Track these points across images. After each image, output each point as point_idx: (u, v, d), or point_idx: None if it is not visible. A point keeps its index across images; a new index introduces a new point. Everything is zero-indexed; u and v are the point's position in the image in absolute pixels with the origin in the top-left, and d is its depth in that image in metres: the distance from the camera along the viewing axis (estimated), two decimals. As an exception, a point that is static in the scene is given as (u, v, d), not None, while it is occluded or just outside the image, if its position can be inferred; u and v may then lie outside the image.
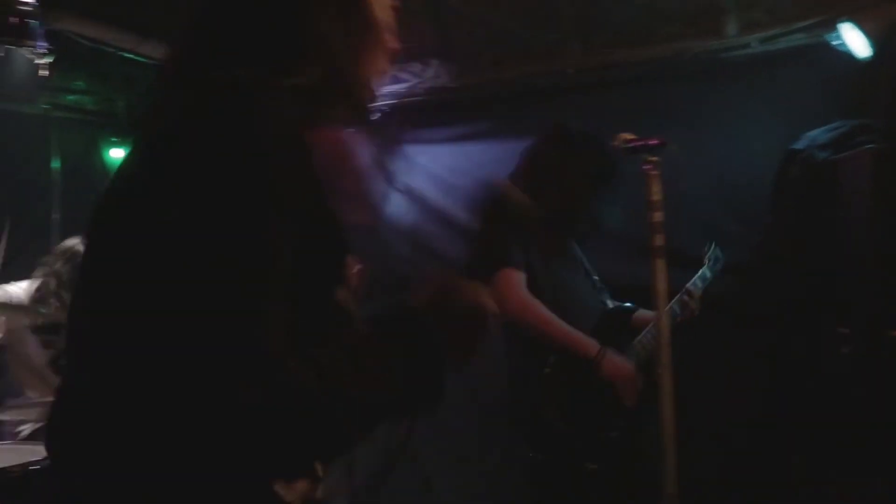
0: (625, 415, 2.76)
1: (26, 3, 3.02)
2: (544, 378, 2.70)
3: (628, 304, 3.09)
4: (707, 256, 3.27)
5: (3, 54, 3.19)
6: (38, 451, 2.73)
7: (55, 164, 4.78)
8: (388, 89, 4.35)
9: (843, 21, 3.37)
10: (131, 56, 3.85)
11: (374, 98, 1.20)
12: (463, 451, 4.24)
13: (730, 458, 3.65)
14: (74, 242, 3.56)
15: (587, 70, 4.00)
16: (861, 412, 2.94)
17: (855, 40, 3.34)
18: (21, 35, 3.04)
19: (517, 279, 2.71)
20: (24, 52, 3.18)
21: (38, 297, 3.39)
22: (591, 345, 2.71)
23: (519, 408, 2.86)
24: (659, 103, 3.92)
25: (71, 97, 4.92)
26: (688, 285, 3.06)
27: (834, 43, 3.48)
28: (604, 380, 2.70)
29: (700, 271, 3.18)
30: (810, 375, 3.43)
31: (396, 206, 4.46)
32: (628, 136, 2.23)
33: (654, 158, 2.13)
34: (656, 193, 2.14)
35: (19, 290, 3.45)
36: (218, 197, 0.93)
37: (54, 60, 3.47)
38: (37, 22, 3.09)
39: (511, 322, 2.72)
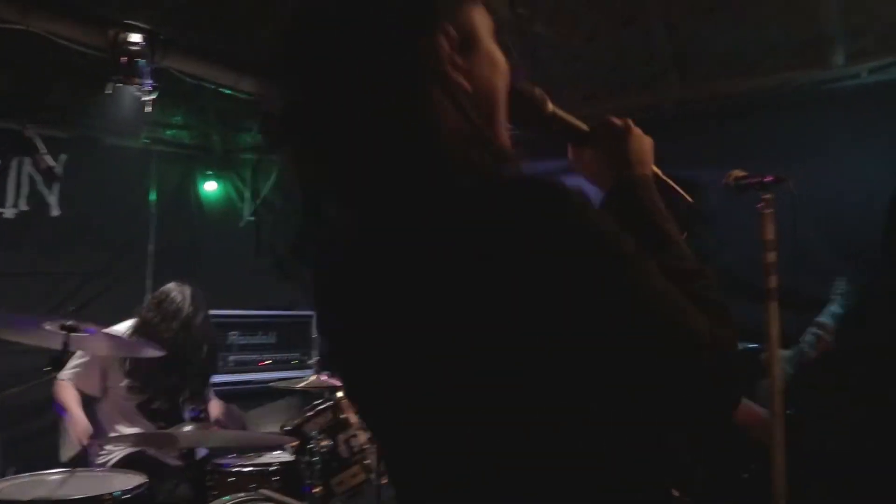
0: (757, 454, 2.63)
1: (136, 43, 3.13)
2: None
3: (753, 346, 2.95)
4: (836, 291, 3.09)
5: (111, 92, 3.31)
6: (127, 480, 2.78)
7: (152, 196, 4.95)
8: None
9: (963, 49, 3.19)
10: (229, 92, 3.94)
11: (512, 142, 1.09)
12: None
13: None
14: (168, 288, 3.66)
15: (686, 103, 3.89)
16: None
17: (977, 69, 3.15)
18: (130, 74, 3.15)
19: None
20: (131, 90, 3.30)
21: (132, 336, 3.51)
22: None
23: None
24: (762, 137, 3.77)
25: (169, 131, 5.09)
26: (819, 318, 2.90)
27: (951, 71, 3.30)
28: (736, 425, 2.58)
29: (829, 307, 3.01)
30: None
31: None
32: (740, 172, 2.13)
33: (769, 196, 2.02)
34: (770, 233, 2.03)
35: (122, 328, 3.57)
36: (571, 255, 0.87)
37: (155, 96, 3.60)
38: (144, 60, 3.19)
39: None
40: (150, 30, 3.20)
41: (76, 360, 3.47)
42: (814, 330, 2.85)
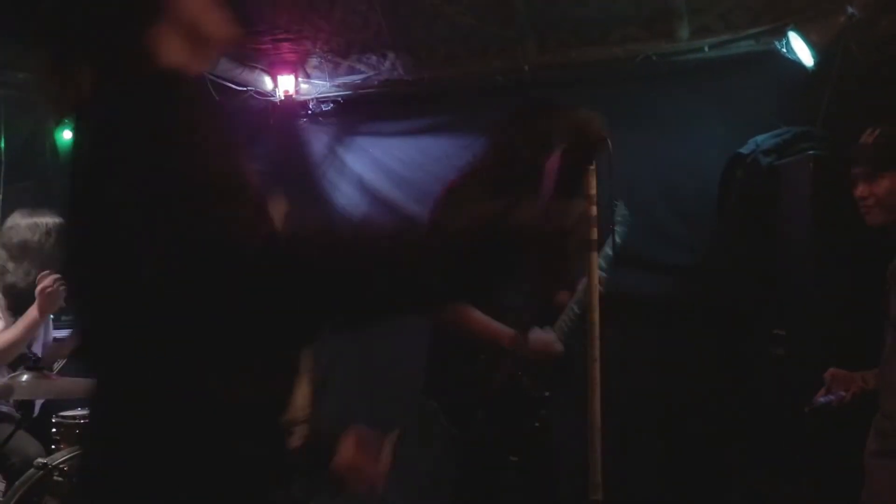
0: (546, 406, 2.79)
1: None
2: (474, 376, 2.71)
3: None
4: (616, 218, 2.97)
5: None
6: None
7: (0, 143, 4.69)
8: (344, 80, 4.35)
9: (790, 30, 3.44)
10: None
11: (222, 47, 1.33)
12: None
13: (660, 455, 3.71)
14: (16, 219, 3.52)
15: (542, 68, 4.02)
16: (791, 413, 3.00)
17: (801, 49, 3.41)
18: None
19: None
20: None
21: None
22: (506, 331, 2.71)
23: (447, 398, 2.82)
24: (612, 103, 3.93)
25: (21, 75, 4.82)
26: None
27: (782, 51, 3.55)
28: (529, 356, 2.72)
29: (606, 243, 2.93)
30: (747, 375, 3.50)
31: (347, 197, 4.45)
32: (569, 132, 2.25)
33: (593, 154, 2.15)
34: (593, 188, 2.16)
35: None
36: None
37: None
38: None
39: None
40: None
41: None
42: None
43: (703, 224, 3.78)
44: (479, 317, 2.70)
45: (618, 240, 3.05)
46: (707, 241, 3.77)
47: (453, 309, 2.68)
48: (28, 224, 3.40)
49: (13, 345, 3.18)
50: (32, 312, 3.14)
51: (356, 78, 4.30)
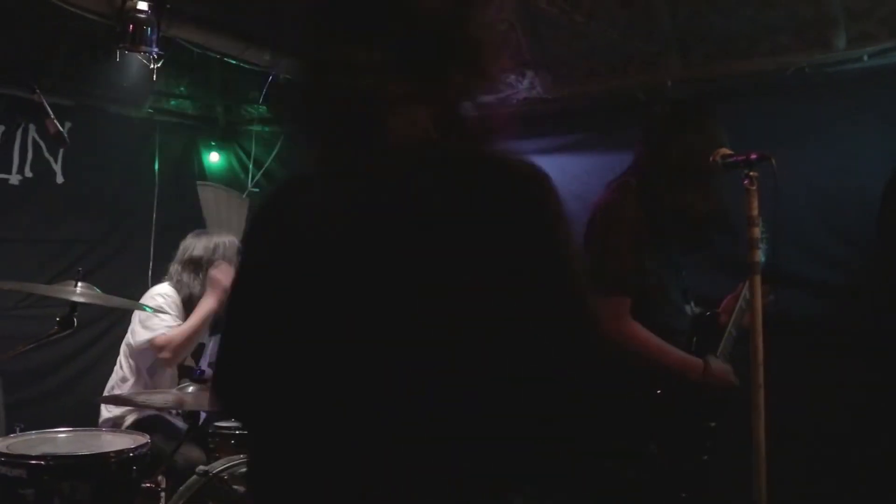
0: (711, 437, 2.66)
1: (143, 11, 3.16)
2: (650, 409, 2.59)
3: (711, 313, 2.94)
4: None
5: (118, 59, 3.35)
6: (130, 440, 2.85)
7: (156, 166, 4.98)
8: (481, 100, 4.37)
9: (962, 34, 3.21)
10: (235, 62, 3.97)
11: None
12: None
13: (819, 482, 3.49)
14: (193, 239, 3.76)
15: (686, 83, 3.90)
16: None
17: (976, 54, 3.17)
18: (137, 41, 3.19)
19: (622, 307, 2.58)
20: (138, 58, 3.34)
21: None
22: (696, 362, 2.58)
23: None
24: (761, 119, 3.79)
25: (173, 102, 5.12)
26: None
27: (953, 57, 3.31)
28: (714, 388, 2.58)
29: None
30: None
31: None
32: (726, 150, 2.18)
33: (754, 174, 2.07)
34: (755, 209, 2.08)
35: (165, 292, 3.66)
36: None
37: (160, 66, 3.64)
38: (151, 28, 3.23)
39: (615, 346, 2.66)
40: (157, -3, 3.24)
41: (166, 320, 3.56)
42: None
43: (863, 242, 3.56)
44: (661, 344, 2.56)
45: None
46: (868, 260, 3.54)
47: (630, 335, 2.60)
48: (205, 244, 3.65)
49: (194, 333, 3.49)
50: (208, 303, 3.47)
51: (494, 97, 4.32)
